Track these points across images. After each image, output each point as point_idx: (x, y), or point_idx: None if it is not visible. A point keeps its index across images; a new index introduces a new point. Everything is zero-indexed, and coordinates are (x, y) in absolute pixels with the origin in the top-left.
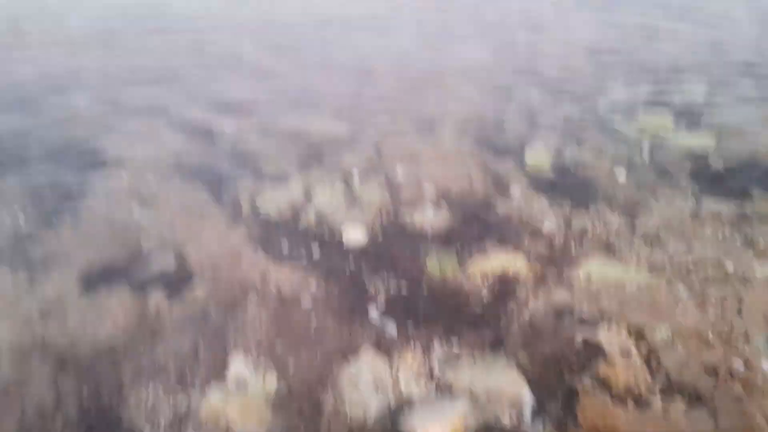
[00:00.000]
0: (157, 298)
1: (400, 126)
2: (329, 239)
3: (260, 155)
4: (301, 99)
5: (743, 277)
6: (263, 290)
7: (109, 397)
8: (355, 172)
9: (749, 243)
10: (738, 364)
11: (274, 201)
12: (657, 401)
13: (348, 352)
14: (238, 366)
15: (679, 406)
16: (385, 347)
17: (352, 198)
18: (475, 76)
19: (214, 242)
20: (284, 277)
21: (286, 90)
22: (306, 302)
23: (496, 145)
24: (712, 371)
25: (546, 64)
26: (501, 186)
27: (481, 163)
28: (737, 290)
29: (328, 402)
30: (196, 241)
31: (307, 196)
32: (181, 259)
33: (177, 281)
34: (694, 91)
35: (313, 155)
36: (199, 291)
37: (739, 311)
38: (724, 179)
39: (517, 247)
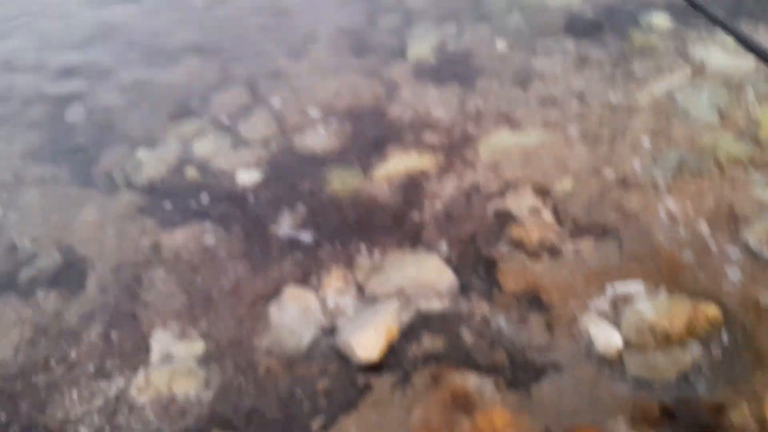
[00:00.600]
0: (50, 298)
1: (268, 53)
2: (220, 187)
3: (122, 119)
4: (151, 47)
5: (627, 106)
6: (162, 259)
7: (30, 418)
8: (233, 111)
9: (629, 75)
10: (634, 190)
11: (151, 164)
12: (568, 246)
13: (268, 291)
14: (160, 342)
15: (588, 244)
16: (304, 276)
17: (235, 139)
18: None
19: (96, 224)
20: (180, 239)
21: (131, 41)
22: (211, 257)
23: (373, 47)
24: (613, 204)
25: None
26: (387, 88)
27: (362, 70)
28: (623, 121)
29: (261, 345)
30: (74, 227)
31: (186, 149)
32: (64, 250)
33: (67, 275)
34: None
35: (181, 105)
36: (94, 278)
37: (628, 140)
38: (598, 25)
39: (415, 143)
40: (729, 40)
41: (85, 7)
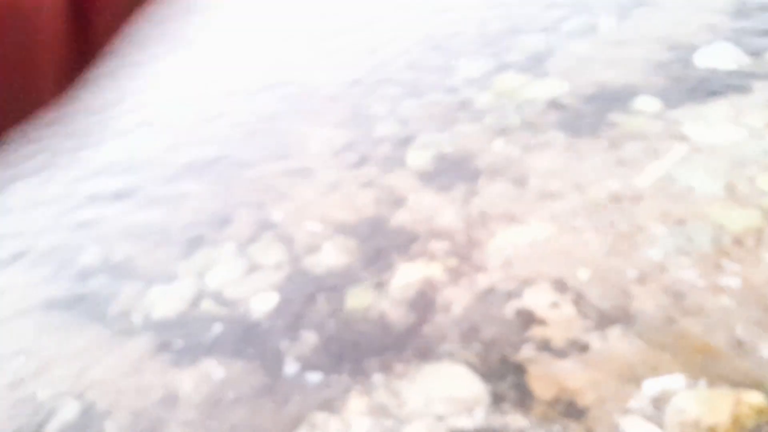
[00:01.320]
0: None
1: (266, 175)
2: (236, 317)
3: (133, 258)
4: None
5: (628, 191)
6: (178, 401)
7: None
8: (244, 238)
9: (624, 161)
10: (651, 270)
11: (166, 300)
12: (595, 338)
13: (292, 423)
14: None
15: (614, 333)
16: (327, 404)
17: (248, 267)
18: (324, 93)
19: (111, 370)
20: (195, 379)
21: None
22: (229, 398)
23: (374, 159)
24: (635, 288)
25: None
26: (391, 198)
27: (364, 182)
28: (627, 205)
29: None
30: (91, 376)
31: (200, 282)
32: (84, 402)
33: (87, 427)
34: (531, 43)
35: (193, 239)
36: (113, 429)
37: (636, 223)
38: (587, 114)
39: (423, 252)
40: (718, 114)
41: None
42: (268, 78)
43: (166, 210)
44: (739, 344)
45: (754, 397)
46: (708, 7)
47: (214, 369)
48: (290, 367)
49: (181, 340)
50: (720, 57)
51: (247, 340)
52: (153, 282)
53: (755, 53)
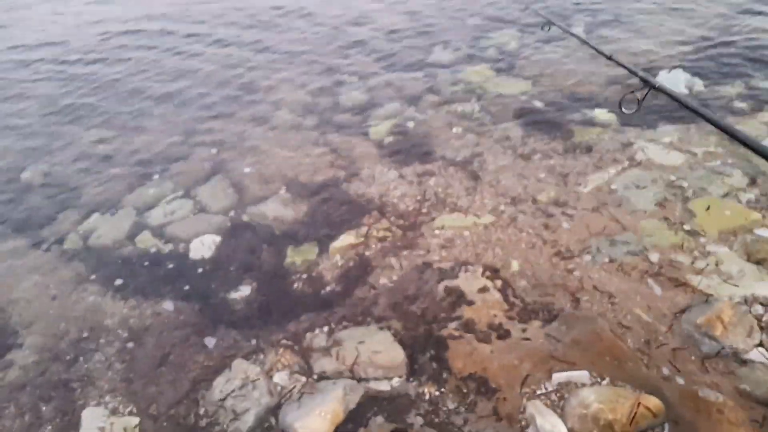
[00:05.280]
0: None
1: (232, 121)
2: (176, 257)
3: (81, 181)
4: (114, 116)
5: (572, 195)
6: (107, 329)
7: None
8: (193, 179)
9: (573, 167)
10: (577, 273)
11: (108, 229)
12: (516, 327)
13: (214, 366)
14: (92, 418)
15: (534, 325)
16: (252, 352)
17: (193, 207)
18: (302, 56)
19: (36, 289)
20: (128, 309)
21: (90, 104)
22: (159, 328)
23: (337, 124)
24: (559, 288)
25: (372, 36)
26: (348, 164)
27: (324, 145)
28: (568, 208)
29: (201, 425)
30: (16, 291)
31: (144, 215)
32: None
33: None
34: (506, 41)
35: (142, 170)
36: (29, 347)
37: (572, 226)
38: (546, 117)
39: (372, 221)
40: (666, 137)
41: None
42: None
43: (122, 140)
44: (647, 351)
45: (652, 401)
46: (676, 35)
47: (144, 302)
48: (222, 312)
49: (114, 270)
50: (677, 82)
51: (183, 279)
52: (94, 209)
53: (711, 83)
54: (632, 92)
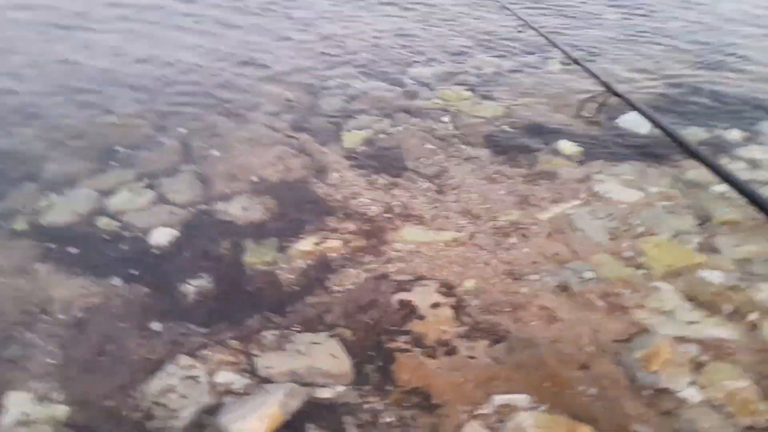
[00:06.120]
0: None
1: (206, 114)
2: (131, 244)
3: (39, 158)
4: (87, 95)
5: (530, 221)
6: (48, 312)
7: None
8: (159, 168)
9: (534, 193)
10: (527, 295)
11: (62, 210)
12: (463, 346)
13: (156, 358)
14: (16, 405)
15: (482, 346)
16: (197, 347)
17: (155, 197)
18: (284, 62)
19: None
20: (75, 292)
21: (67, 84)
22: (104, 315)
23: (312, 128)
24: (509, 311)
25: (355, 47)
26: (317, 168)
27: (296, 147)
28: (525, 233)
29: (133, 418)
30: None
31: (103, 199)
32: None
33: None
34: (486, 63)
35: (107, 154)
36: None
37: (527, 250)
38: (514, 142)
39: (334, 226)
40: (625, 174)
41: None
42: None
43: (89, 116)
44: (586, 381)
45: (585, 431)
46: (646, 75)
47: (92, 285)
48: (172, 303)
49: (68, 250)
50: (641, 122)
51: (137, 265)
52: (52, 188)
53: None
54: (593, 97)
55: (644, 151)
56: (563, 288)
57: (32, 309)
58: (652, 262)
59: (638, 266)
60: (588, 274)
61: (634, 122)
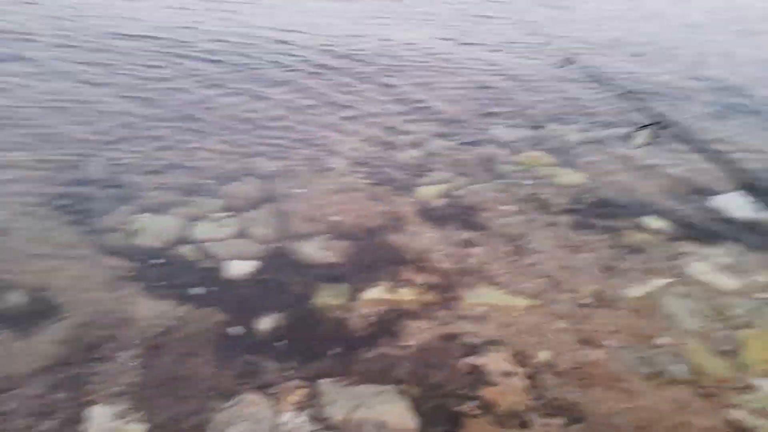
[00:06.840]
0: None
1: (290, 153)
2: (211, 273)
3: (138, 186)
4: (184, 131)
5: (614, 297)
6: (130, 330)
7: None
8: (243, 202)
9: (619, 268)
10: (612, 377)
11: (151, 233)
12: (538, 421)
13: (226, 389)
14: (98, 417)
15: (557, 422)
16: (266, 387)
17: (238, 230)
18: (365, 110)
19: (78, 278)
20: (155, 313)
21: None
22: (181, 340)
23: (390, 179)
24: (588, 390)
25: (436, 102)
26: (394, 217)
27: (374, 195)
28: (608, 309)
29: None
30: (58, 275)
31: (189, 227)
32: (36, 295)
33: (28, 320)
34: (571, 130)
35: (197, 185)
36: (57, 331)
37: (609, 328)
38: (598, 212)
39: (407, 278)
40: (721, 256)
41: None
42: None
43: (182, 152)
44: None
45: None
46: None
47: (172, 309)
48: (244, 335)
49: (152, 272)
50: (736, 205)
51: (213, 294)
52: (146, 210)
53: None
54: (641, 127)
55: (744, 235)
56: (649, 371)
57: (114, 325)
58: (751, 357)
59: (735, 360)
60: (677, 360)
61: (731, 203)
